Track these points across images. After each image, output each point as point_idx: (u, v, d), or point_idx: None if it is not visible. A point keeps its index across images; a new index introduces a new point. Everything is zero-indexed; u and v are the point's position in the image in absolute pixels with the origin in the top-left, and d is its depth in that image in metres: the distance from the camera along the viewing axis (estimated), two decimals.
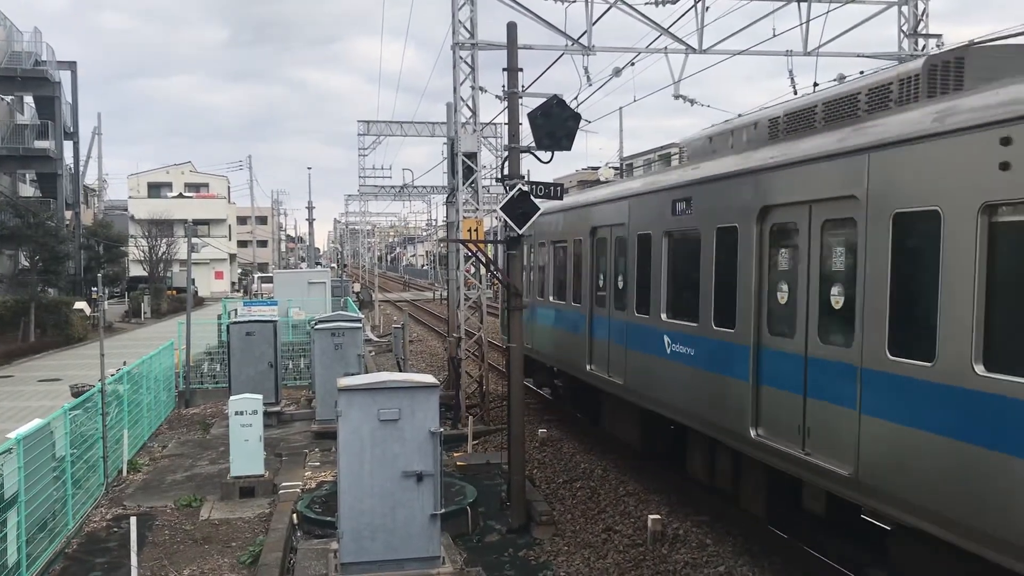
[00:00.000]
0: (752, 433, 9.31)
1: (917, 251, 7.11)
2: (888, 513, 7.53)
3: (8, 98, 45.30)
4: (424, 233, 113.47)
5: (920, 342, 6.93)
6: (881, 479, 7.37)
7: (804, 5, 18.86)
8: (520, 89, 12.71)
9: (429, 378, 9.42)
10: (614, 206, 13.40)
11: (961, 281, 6.54)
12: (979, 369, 6.38)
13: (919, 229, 7.01)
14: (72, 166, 48.64)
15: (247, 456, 13.09)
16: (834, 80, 19.12)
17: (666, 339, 11.41)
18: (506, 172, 12.24)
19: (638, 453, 13.74)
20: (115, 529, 11.66)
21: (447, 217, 24.23)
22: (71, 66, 46.81)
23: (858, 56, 19.66)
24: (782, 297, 9.00)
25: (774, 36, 18.99)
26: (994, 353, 6.32)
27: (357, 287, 59.87)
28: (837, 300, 8.13)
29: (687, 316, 10.92)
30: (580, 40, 18.62)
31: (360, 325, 19.51)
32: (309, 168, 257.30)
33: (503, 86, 12.96)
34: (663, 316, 11.59)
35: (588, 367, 14.14)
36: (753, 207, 9.34)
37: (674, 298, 11.49)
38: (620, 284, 13.15)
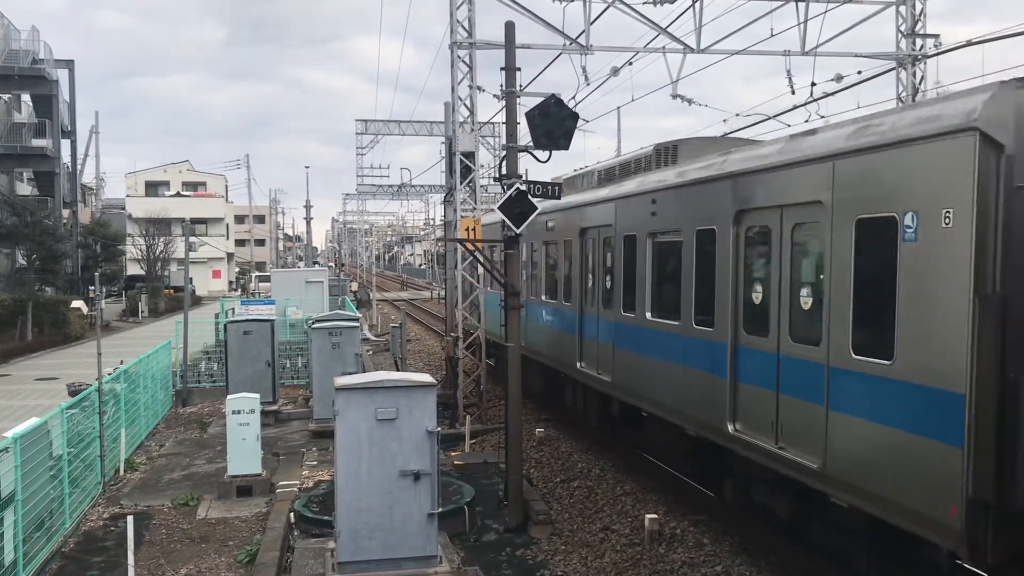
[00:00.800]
0: (578, 365, 15.22)
1: (629, 256, 13.16)
2: (626, 400, 13.34)
3: (5, 96, 45.22)
4: (422, 232, 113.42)
5: (631, 304, 13.02)
6: (620, 381, 13.39)
7: (802, 5, 18.85)
8: (518, 88, 12.73)
9: (427, 377, 9.42)
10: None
11: (644, 270, 12.62)
12: (649, 315, 12.39)
13: (631, 245, 13.11)
14: (69, 165, 48.58)
15: (244, 455, 13.09)
16: (832, 80, 19.25)
17: (543, 312, 17.31)
18: (504, 171, 12.24)
19: (542, 398, 18.91)
20: (112, 528, 11.65)
21: (445, 216, 24.22)
22: (68, 64, 46.75)
23: (856, 56, 19.66)
24: (589, 281, 14.92)
25: (772, 36, 19.01)
26: (656, 306, 12.31)
27: (355, 286, 59.86)
28: (607, 283, 14.13)
29: (553, 296, 16.97)
30: (578, 39, 18.62)
31: (358, 324, 19.51)
32: (307, 167, 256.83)
33: (501, 85, 12.96)
34: (543, 297, 17.51)
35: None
36: (578, 227, 15.41)
37: (548, 284, 17.46)
38: (524, 276, 18.22)
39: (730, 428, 9.87)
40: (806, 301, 8.72)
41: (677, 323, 11.39)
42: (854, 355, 7.88)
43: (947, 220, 6.88)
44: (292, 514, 11.60)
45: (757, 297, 9.58)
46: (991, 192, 6.57)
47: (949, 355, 6.82)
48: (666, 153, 13.24)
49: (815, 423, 8.35)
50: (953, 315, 6.79)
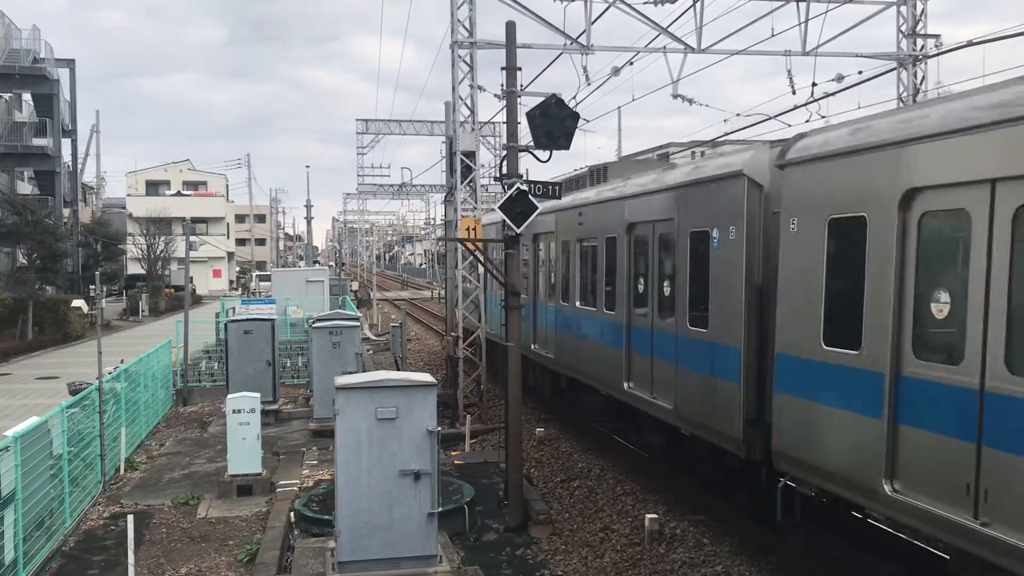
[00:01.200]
0: (532, 347, 17.95)
1: (565, 257, 16.33)
2: (564, 372, 16.63)
3: (6, 96, 45.19)
4: (422, 232, 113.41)
5: (566, 295, 16.19)
6: (560, 357, 16.55)
7: (803, 5, 18.85)
8: (519, 88, 12.72)
9: (427, 377, 9.42)
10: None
11: (575, 267, 15.70)
12: (578, 304, 15.46)
13: (566, 247, 16.30)
14: (70, 164, 48.54)
15: (245, 454, 13.09)
16: (832, 80, 19.25)
17: None
18: (504, 171, 12.24)
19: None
20: (112, 527, 11.65)
21: (445, 216, 24.21)
22: (69, 64, 46.68)
23: (856, 56, 19.66)
24: (540, 278, 18.10)
25: (772, 36, 19.00)
26: (582, 296, 15.38)
27: (355, 286, 59.83)
28: (552, 278, 17.24)
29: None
30: (579, 39, 18.62)
31: (358, 324, 19.51)
32: (307, 166, 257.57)
33: (502, 85, 12.94)
34: None
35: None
36: (532, 233, 17.89)
37: None
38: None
39: (626, 386, 13.22)
40: (666, 290, 11.98)
41: (594, 309, 14.70)
42: (690, 326, 11.13)
43: (732, 234, 10.03)
44: (292, 513, 11.60)
45: (641, 288, 12.87)
46: (756, 216, 9.73)
47: (734, 324, 9.99)
48: (598, 173, 15.89)
49: (671, 376, 11.65)
50: (735, 298, 9.97)
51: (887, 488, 7.37)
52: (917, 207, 7.25)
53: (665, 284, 11.98)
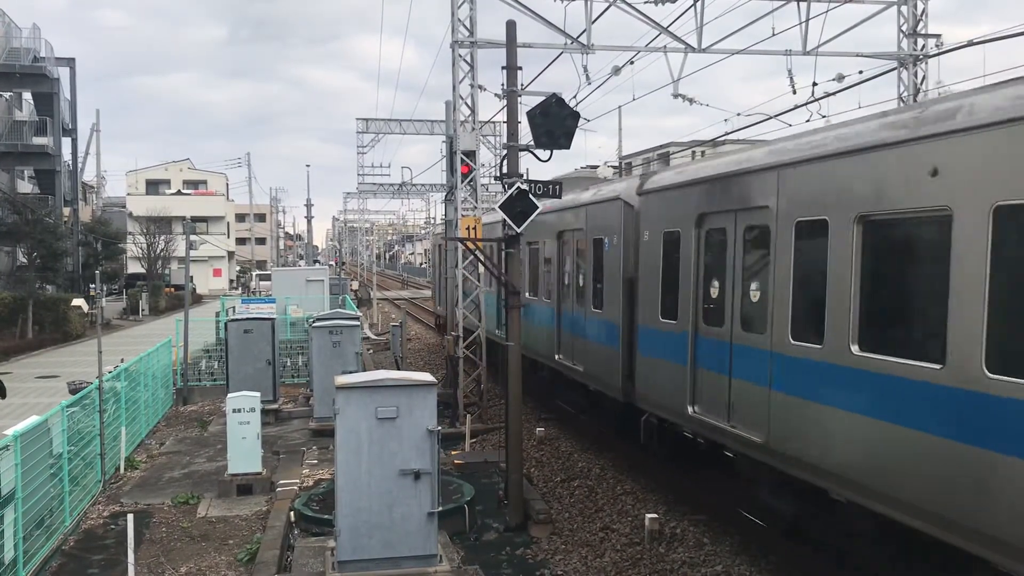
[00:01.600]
0: (496, 332, 18.55)
1: (545, 255, 17.97)
2: (537, 359, 18.16)
3: (7, 94, 45.17)
4: (423, 231, 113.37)
5: (547, 291, 17.73)
6: (534, 346, 17.77)
7: (803, 4, 18.84)
8: (519, 87, 12.71)
9: (427, 376, 9.42)
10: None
11: (525, 264, 17.82)
12: (528, 295, 17.75)
13: (532, 247, 18.50)
14: (70, 163, 48.50)
15: (245, 454, 13.09)
16: (833, 79, 19.24)
17: (484, 299, 19.96)
18: (505, 170, 12.23)
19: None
20: (112, 526, 11.65)
21: (445, 215, 24.21)
22: (70, 63, 46.64)
23: (857, 56, 19.65)
24: (531, 277, 19.09)
25: (773, 35, 18.98)
26: (531, 287, 18.68)
27: (355, 285, 59.83)
28: (546, 276, 18.08)
29: (489, 285, 20.41)
30: (579, 39, 18.61)
31: (358, 323, 19.50)
32: (308, 166, 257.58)
33: (502, 84, 12.95)
34: (485, 288, 21.03)
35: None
36: (496, 235, 17.85)
37: (487, 277, 20.82)
38: (481, 270, 22.72)
39: (556, 358, 16.62)
40: (580, 281, 15.36)
41: (537, 298, 18.12)
42: (592, 309, 14.52)
43: (615, 240, 13.47)
44: (292, 513, 11.60)
45: (566, 279, 16.28)
46: (630, 228, 13.07)
47: (616, 306, 13.39)
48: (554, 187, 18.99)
49: (584, 347, 15.02)
50: (617, 287, 13.33)
51: (690, 411, 11.06)
52: (704, 226, 10.90)
53: (580, 278, 15.41)
